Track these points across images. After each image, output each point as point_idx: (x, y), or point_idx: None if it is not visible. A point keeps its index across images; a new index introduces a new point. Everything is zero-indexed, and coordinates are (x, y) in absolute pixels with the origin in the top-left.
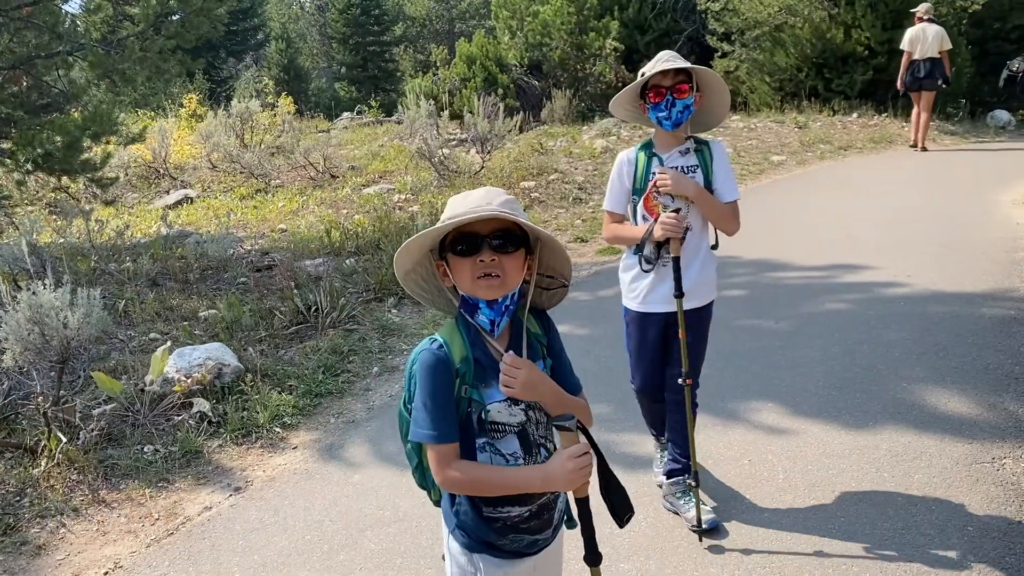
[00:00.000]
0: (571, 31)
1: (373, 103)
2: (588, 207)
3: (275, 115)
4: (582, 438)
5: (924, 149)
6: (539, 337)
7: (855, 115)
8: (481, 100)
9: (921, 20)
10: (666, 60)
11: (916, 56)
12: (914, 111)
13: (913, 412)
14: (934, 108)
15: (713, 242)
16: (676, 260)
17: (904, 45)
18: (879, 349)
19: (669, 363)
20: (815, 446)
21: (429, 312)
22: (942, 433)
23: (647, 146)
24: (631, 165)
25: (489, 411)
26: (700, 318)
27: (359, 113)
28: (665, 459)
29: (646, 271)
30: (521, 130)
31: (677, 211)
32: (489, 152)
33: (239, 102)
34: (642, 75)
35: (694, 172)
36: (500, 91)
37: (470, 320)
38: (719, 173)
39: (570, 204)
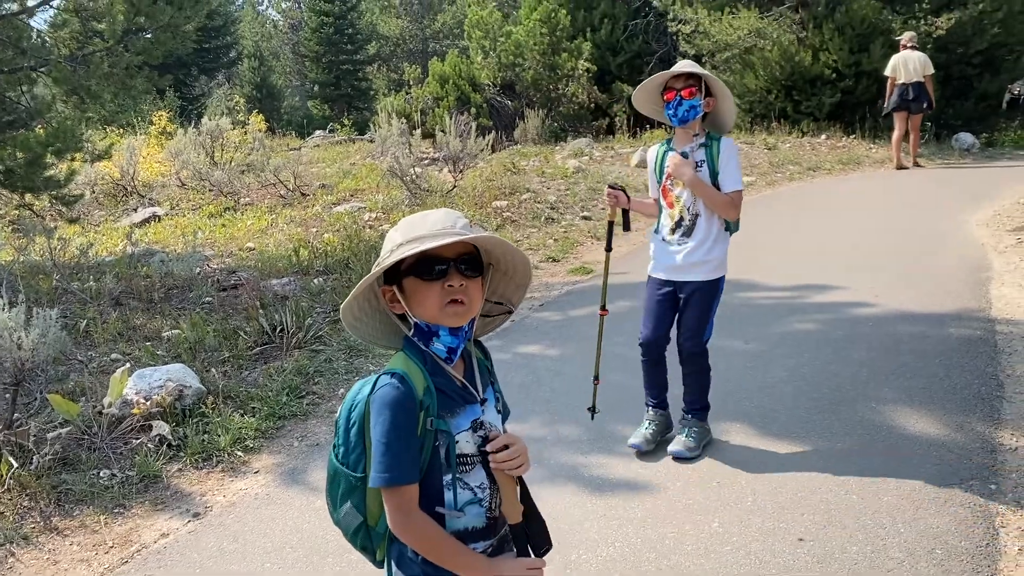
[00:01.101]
0: (544, 52)
1: (346, 121)
2: (560, 227)
3: (246, 133)
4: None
5: (917, 165)
6: (484, 363)
7: (824, 136)
8: (454, 119)
9: (905, 47)
10: (681, 66)
11: (901, 80)
12: (895, 134)
13: (882, 433)
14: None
15: (724, 227)
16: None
17: (888, 71)
18: (848, 370)
19: (679, 330)
20: (784, 468)
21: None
22: (910, 455)
23: (668, 142)
24: (653, 157)
25: (458, 442)
26: (704, 289)
27: (331, 131)
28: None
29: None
30: (494, 149)
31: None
32: (461, 171)
33: (210, 120)
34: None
35: (702, 166)
36: (473, 110)
37: (424, 349)
38: (723, 166)
39: (542, 224)
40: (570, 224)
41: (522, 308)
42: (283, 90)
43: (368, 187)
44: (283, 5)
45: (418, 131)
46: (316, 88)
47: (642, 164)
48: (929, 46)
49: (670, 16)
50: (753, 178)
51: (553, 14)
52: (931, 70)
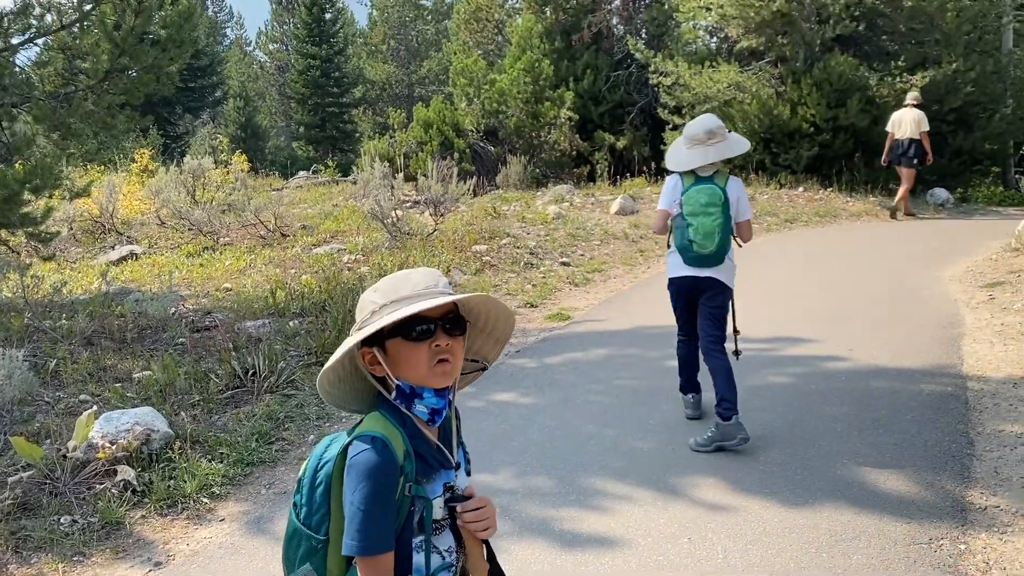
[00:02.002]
0: (527, 100)
1: (329, 163)
2: (539, 272)
3: (228, 172)
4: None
5: (909, 214)
6: (454, 424)
7: (801, 189)
8: (436, 163)
9: (906, 105)
10: (703, 143)
11: (897, 136)
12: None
13: (853, 490)
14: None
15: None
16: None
17: (888, 126)
18: (820, 424)
19: (700, 324)
20: (756, 524)
21: None
22: (881, 512)
23: (688, 173)
24: (677, 182)
25: (433, 506)
26: (725, 293)
27: (315, 172)
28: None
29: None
30: (475, 194)
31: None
32: (442, 215)
33: (192, 158)
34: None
35: (716, 183)
36: (456, 155)
37: (405, 412)
38: (735, 202)
39: (521, 269)
40: (549, 270)
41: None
42: (268, 130)
43: (349, 229)
44: (270, 47)
45: (400, 174)
46: (301, 129)
47: (622, 212)
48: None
49: (651, 68)
50: None
51: (537, 64)
52: (925, 127)
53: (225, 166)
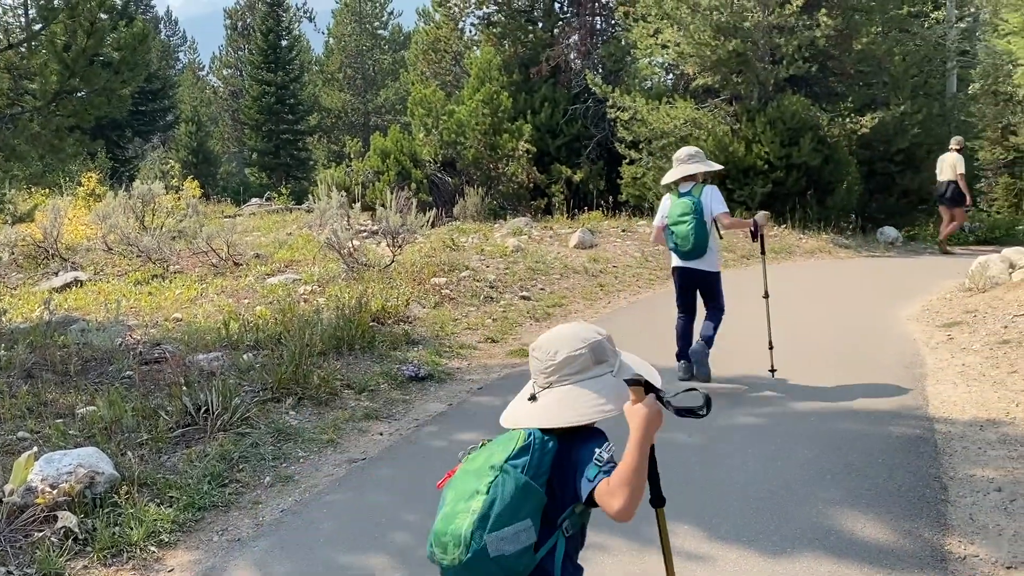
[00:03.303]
0: (485, 132)
1: (283, 190)
2: (499, 306)
3: (179, 198)
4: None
5: (946, 252)
6: None
7: None
8: (394, 194)
9: (950, 149)
10: (683, 161)
11: (939, 179)
12: (943, 226)
13: (831, 538)
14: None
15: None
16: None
17: (936, 170)
18: (793, 468)
19: (704, 302)
20: (732, 574)
21: (330, 415)
22: (861, 563)
23: (670, 189)
24: (665, 201)
25: None
26: (712, 278)
27: (268, 199)
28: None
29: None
30: (433, 225)
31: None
32: (400, 246)
33: (142, 183)
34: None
35: (693, 196)
36: (413, 185)
37: None
38: (708, 204)
39: (481, 302)
40: (509, 304)
41: (460, 392)
42: (220, 156)
43: (304, 258)
44: (224, 72)
45: (357, 204)
46: (255, 156)
47: (581, 245)
48: (854, 143)
49: (610, 103)
50: None
51: (495, 96)
52: (961, 170)
53: (176, 191)
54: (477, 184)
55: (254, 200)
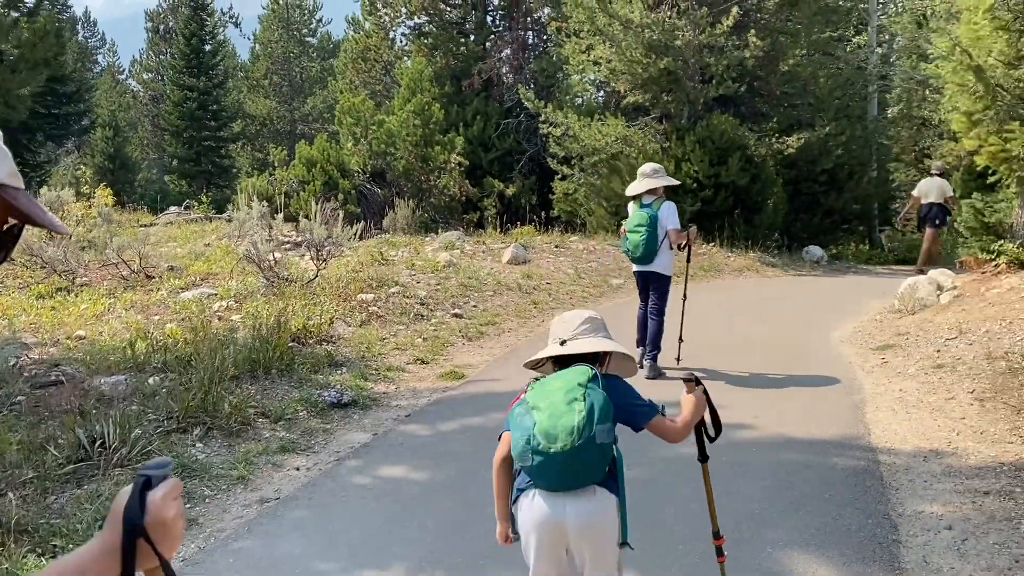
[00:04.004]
0: (416, 143)
1: (204, 199)
2: (430, 324)
3: (91, 206)
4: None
5: (921, 272)
6: None
7: None
8: (320, 204)
9: (933, 174)
10: (648, 175)
11: (923, 201)
12: (924, 246)
13: None
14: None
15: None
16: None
17: (914, 192)
18: (738, 504)
19: (649, 298)
20: None
21: (241, 447)
22: None
23: (637, 200)
24: (630, 209)
25: None
26: (662, 280)
27: (187, 208)
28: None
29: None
30: (362, 237)
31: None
32: (325, 260)
33: (51, 190)
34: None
35: (651, 209)
36: (341, 196)
37: None
38: (663, 219)
39: (411, 320)
40: (440, 322)
41: (386, 420)
42: (139, 163)
43: (222, 271)
44: (144, 76)
45: (280, 215)
46: (175, 163)
47: (514, 261)
48: (780, 162)
49: (542, 118)
50: (621, 280)
51: (427, 107)
52: (949, 192)
53: (87, 199)
54: (408, 196)
55: (172, 208)
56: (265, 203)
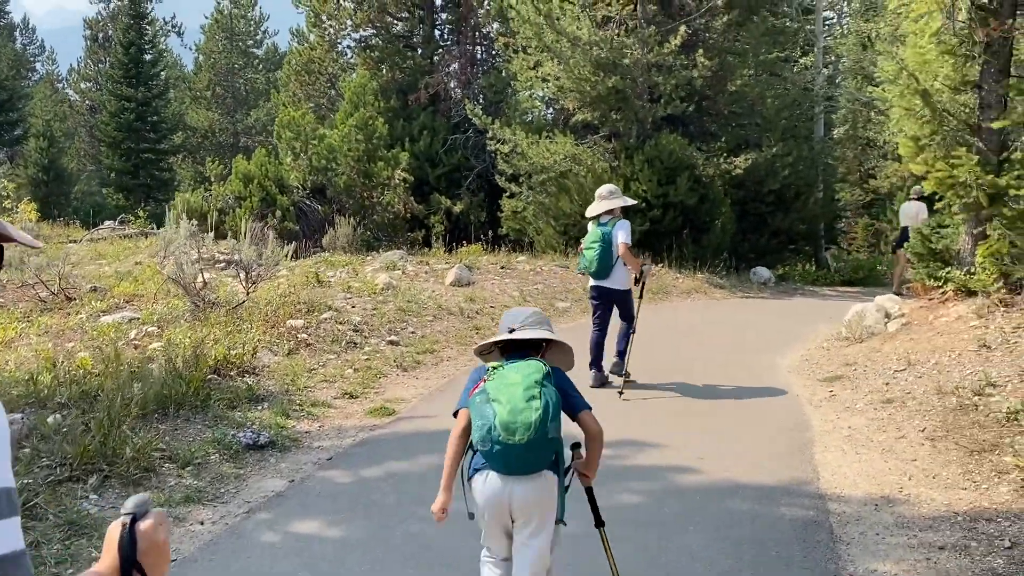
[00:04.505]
0: (359, 158)
1: (141, 213)
2: (363, 353)
3: (14, 221)
4: None
5: (898, 294)
6: None
7: None
8: (251, 222)
9: (911, 199)
10: (605, 196)
11: (901, 224)
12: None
13: None
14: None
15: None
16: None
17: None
18: (682, 563)
19: (602, 317)
20: None
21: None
22: None
23: (595, 219)
24: (589, 227)
25: None
26: (623, 295)
27: (122, 223)
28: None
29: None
30: (297, 256)
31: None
32: (255, 282)
33: None
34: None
35: (607, 227)
36: (279, 213)
37: None
38: (616, 236)
39: (343, 349)
40: (375, 350)
41: (306, 464)
42: (75, 175)
43: (148, 293)
44: (82, 86)
45: (210, 233)
46: (112, 175)
47: (458, 283)
48: (728, 183)
49: (490, 135)
50: (568, 304)
51: (370, 121)
52: (924, 216)
53: (10, 214)
54: (350, 213)
55: (107, 223)
56: (194, 221)
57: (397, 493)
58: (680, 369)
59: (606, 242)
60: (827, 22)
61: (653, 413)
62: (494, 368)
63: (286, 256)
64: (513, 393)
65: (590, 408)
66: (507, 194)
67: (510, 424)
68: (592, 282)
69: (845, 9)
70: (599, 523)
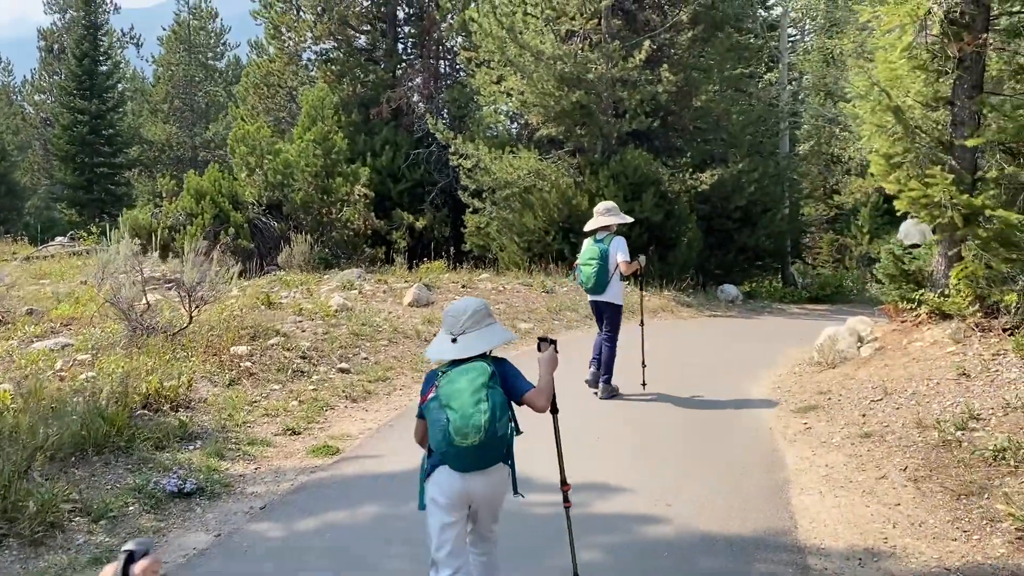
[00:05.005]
0: (316, 173)
1: (93, 229)
2: (310, 382)
3: None
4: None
5: None
6: None
7: None
8: (195, 242)
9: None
10: (601, 214)
11: (909, 244)
12: None
13: None
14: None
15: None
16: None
17: (898, 235)
18: None
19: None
20: None
21: (43, 560)
22: None
23: (591, 235)
24: (585, 244)
25: None
26: (613, 308)
27: (72, 239)
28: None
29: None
30: (242, 275)
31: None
32: (198, 306)
33: None
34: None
35: (603, 244)
36: (232, 230)
37: None
38: (613, 253)
39: (289, 378)
40: (323, 379)
41: (235, 514)
42: (28, 189)
43: (87, 317)
44: (36, 97)
45: (155, 252)
46: (65, 190)
47: (416, 303)
48: (694, 198)
49: (452, 149)
50: (531, 325)
51: (329, 135)
52: (930, 236)
53: None
54: (307, 230)
55: (57, 239)
56: (137, 239)
57: (331, 554)
58: (648, 400)
59: (603, 259)
60: (791, 39)
61: (618, 449)
62: (443, 373)
63: (232, 277)
64: (463, 399)
65: (532, 386)
66: (470, 210)
67: (462, 428)
68: (589, 296)
69: (808, 27)
70: (554, 410)
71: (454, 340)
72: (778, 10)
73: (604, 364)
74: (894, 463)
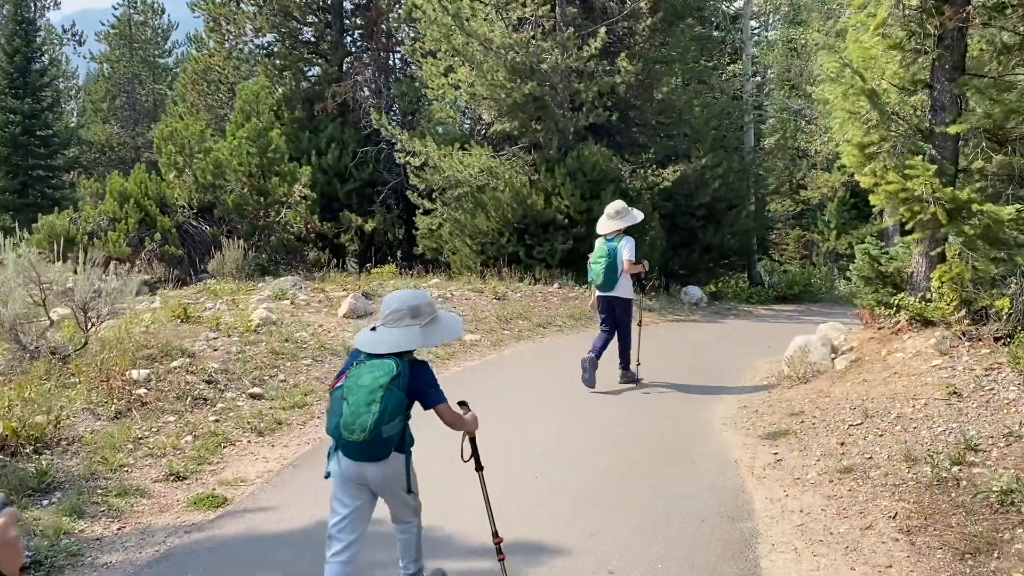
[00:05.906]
0: (251, 174)
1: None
2: (212, 411)
3: None
4: None
5: None
6: None
7: (556, 285)
8: (88, 252)
9: None
10: (611, 217)
11: None
12: None
13: None
14: None
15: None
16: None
17: None
18: None
19: (608, 322)
20: None
21: None
22: None
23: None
24: (597, 242)
25: None
26: (623, 303)
27: None
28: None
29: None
30: (153, 289)
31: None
32: (94, 323)
33: None
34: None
35: (613, 242)
36: (159, 235)
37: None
38: (621, 251)
39: (188, 406)
40: (229, 407)
41: None
42: None
43: None
44: None
45: (59, 262)
46: None
47: (352, 314)
48: (656, 195)
49: (398, 147)
50: (479, 336)
51: (264, 133)
52: None
53: None
54: (241, 235)
55: None
56: (37, 249)
57: None
58: (587, 426)
59: (611, 257)
60: (754, 31)
61: (555, 496)
62: (360, 362)
63: (135, 289)
64: (359, 396)
65: (445, 401)
66: (421, 211)
67: (349, 424)
68: (598, 293)
69: (772, 20)
70: (479, 467)
71: (374, 329)
72: (740, 2)
73: (620, 354)
74: (881, 508)
